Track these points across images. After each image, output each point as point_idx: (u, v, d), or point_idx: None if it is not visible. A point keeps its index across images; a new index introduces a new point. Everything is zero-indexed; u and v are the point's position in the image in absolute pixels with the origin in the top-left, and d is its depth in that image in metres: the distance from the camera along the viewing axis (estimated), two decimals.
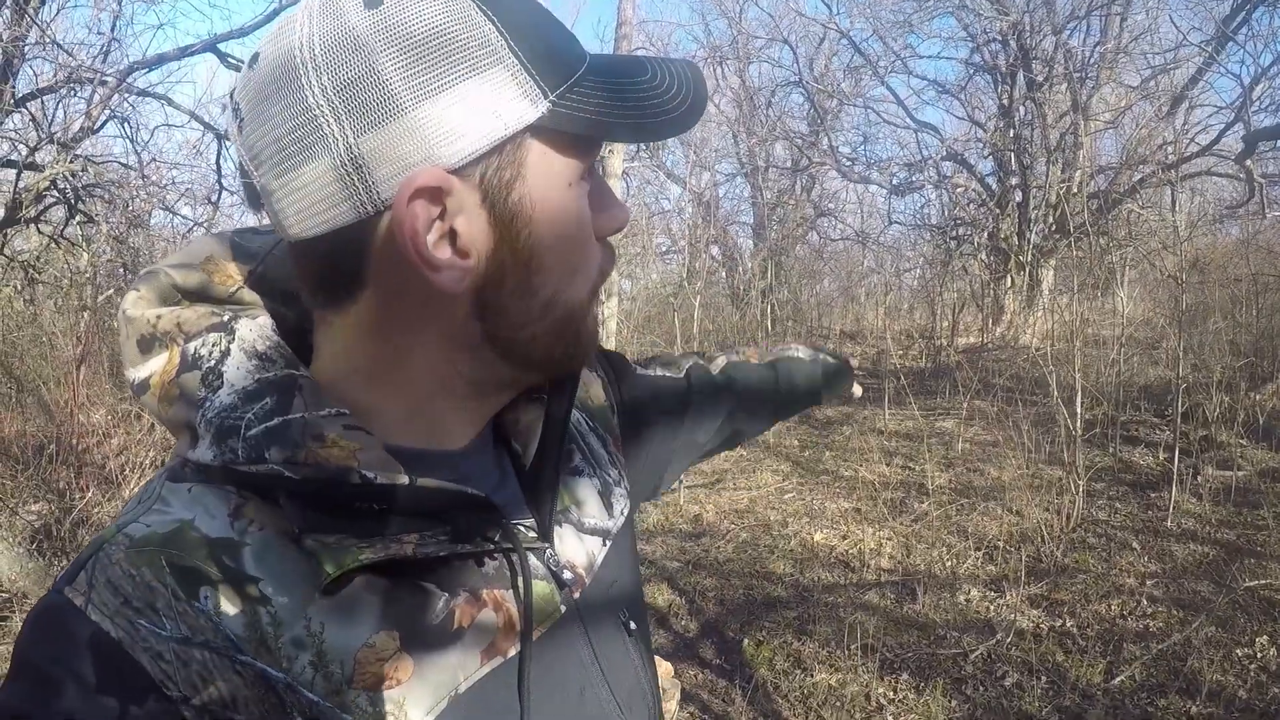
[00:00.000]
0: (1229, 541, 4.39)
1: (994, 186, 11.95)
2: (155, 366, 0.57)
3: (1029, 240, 10.55)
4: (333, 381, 0.58)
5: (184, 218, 9.20)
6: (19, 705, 0.48)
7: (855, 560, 4.58)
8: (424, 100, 0.49)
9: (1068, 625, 3.68)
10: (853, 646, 3.50)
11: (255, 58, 0.52)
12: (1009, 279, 10.64)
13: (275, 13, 7.96)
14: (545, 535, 0.65)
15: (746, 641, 3.70)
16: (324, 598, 0.52)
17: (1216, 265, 8.46)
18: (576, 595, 0.66)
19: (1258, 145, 8.33)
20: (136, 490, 0.61)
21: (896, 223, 13.52)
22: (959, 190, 12.46)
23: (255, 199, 0.56)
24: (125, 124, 8.21)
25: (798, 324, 12.38)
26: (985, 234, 11.46)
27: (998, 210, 11.36)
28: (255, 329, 0.57)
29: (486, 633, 0.59)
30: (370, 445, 0.54)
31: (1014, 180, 11.40)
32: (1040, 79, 10.71)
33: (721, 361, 1.09)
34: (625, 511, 0.77)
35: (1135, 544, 4.45)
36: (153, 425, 5.18)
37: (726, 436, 1.11)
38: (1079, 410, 5.23)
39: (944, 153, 11.82)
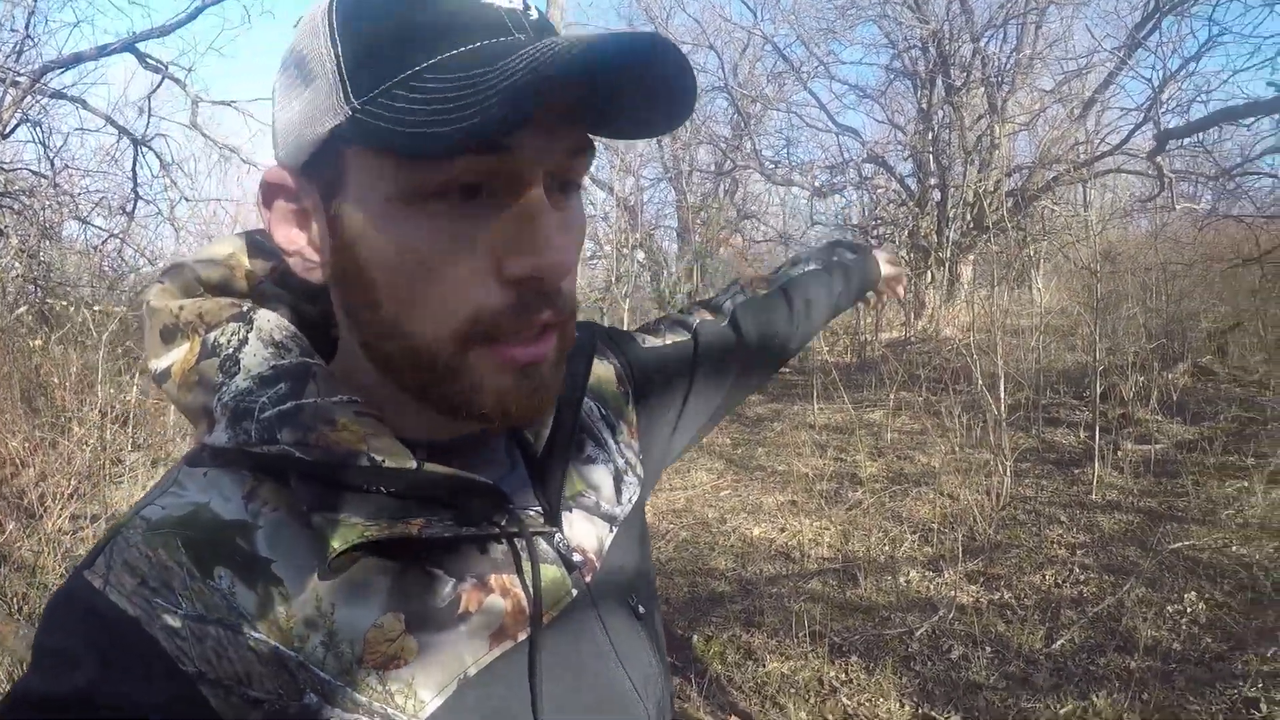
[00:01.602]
0: (1151, 509, 4.58)
1: (913, 187, 12.20)
2: (177, 356, 0.58)
3: (948, 237, 10.80)
4: (348, 371, 0.60)
5: (98, 228, 8.84)
6: (38, 687, 0.49)
7: (795, 551, 4.61)
8: (280, 110, 0.55)
9: (1006, 597, 3.78)
10: (800, 634, 3.53)
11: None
12: (929, 275, 10.87)
13: (198, 11, 7.67)
14: (553, 520, 0.66)
15: (696, 638, 3.68)
16: (332, 577, 0.53)
17: (1127, 256, 8.77)
18: (588, 579, 0.66)
19: (1167, 143, 8.71)
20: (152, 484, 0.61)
21: (819, 223, 13.71)
22: (879, 191, 12.73)
23: None
24: (37, 128, 7.92)
25: None
26: (905, 233, 11.68)
27: (917, 209, 11.61)
28: (273, 320, 0.59)
29: (494, 618, 0.59)
30: (380, 431, 0.55)
31: (933, 180, 11.67)
32: (958, 84, 11.03)
33: (729, 305, 1.03)
34: (634, 499, 0.77)
35: (1063, 517, 4.61)
36: (72, 455, 4.96)
37: (741, 388, 1.04)
38: (1002, 395, 5.40)
39: (865, 155, 12.09)
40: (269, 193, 0.56)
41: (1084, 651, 3.25)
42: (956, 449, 5.71)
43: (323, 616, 0.53)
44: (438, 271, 0.52)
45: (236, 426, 0.54)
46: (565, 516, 0.67)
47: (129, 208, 8.45)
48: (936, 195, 11.52)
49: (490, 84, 0.46)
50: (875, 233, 12.24)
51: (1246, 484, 4.63)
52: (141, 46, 7.49)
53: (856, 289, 1.26)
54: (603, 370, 0.83)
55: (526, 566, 0.61)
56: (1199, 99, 8.92)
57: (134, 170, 8.30)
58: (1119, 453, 5.33)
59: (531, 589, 0.60)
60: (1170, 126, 8.69)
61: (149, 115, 8.72)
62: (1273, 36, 23.05)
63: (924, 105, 11.84)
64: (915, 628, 3.56)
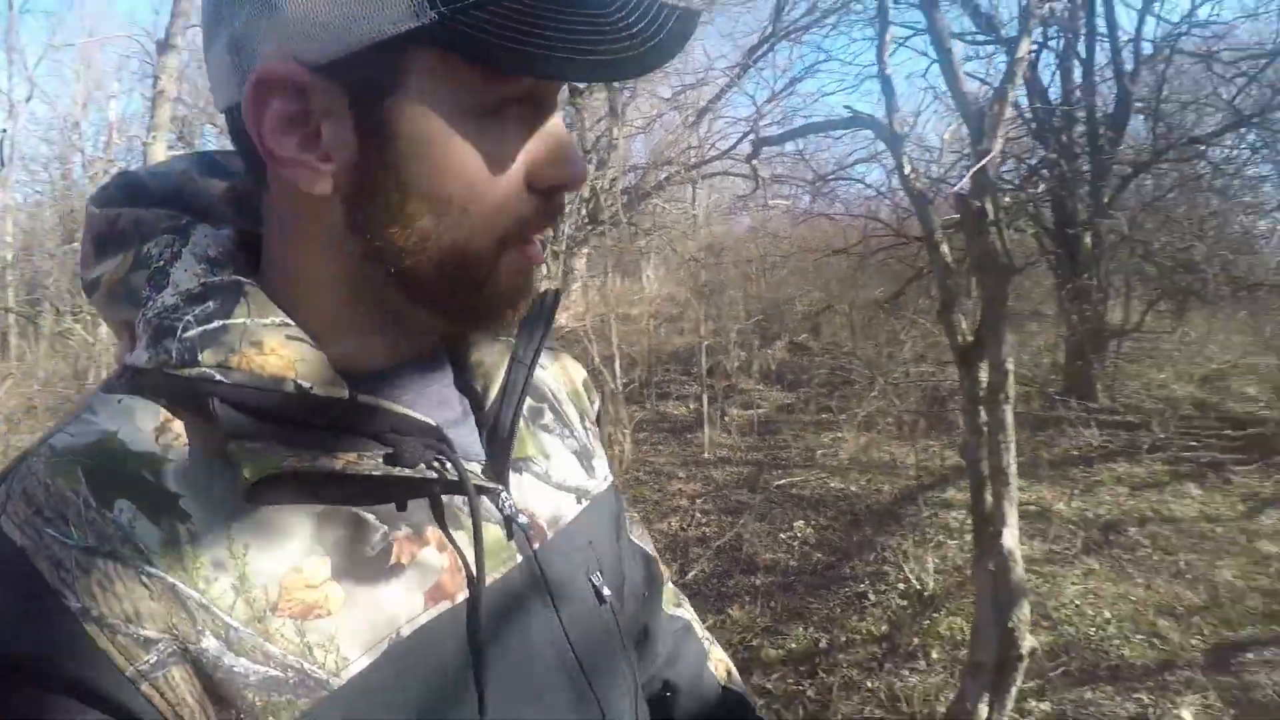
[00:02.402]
0: (758, 460, 5.14)
1: None
2: (109, 267, 0.56)
3: (563, 231, 11.03)
4: (289, 292, 0.56)
5: None
6: None
7: None
8: None
9: None
10: None
11: None
12: (545, 268, 11.02)
13: None
14: (500, 478, 0.62)
15: None
16: (246, 512, 0.50)
17: (731, 248, 9.65)
18: (535, 546, 0.63)
19: (761, 149, 9.64)
20: None
21: None
22: None
23: None
24: None
25: None
26: None
27: None
28: (211, 235, 0.56)
29: (430, 572, 0.55)
30: (310, 358, 0.53)
31: None
32: (581, 86, 11.34)
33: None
34: (609, 480, 0.77)
35: (681, 473, 5.00)
36: None
37: None
38: (618, 371, 5.75)
39: None
40: (260, 93, 0.50)
41: (715, 578, 3.64)
42: None
43: (234, 558, 0.49)
44: (493, 182, 0.52)
45: (158, 345, 0.51)
46: (514, 478, 0.64)
47: None
48: None
49: (620, 30, 0.49)
50: None
51: (839, 434, 5.29)
52: None
53: None
54: (575, 371, 0.84)
55: (467, 522, 0.57)
56: (798, 115, 10.15)
57: None
58: (725, 417, 6.03)
59: (474, 545, 0.57)
60: (767, 135, 9.59)
61: None
62: (869, 65, 26.66)
63: None
64: None
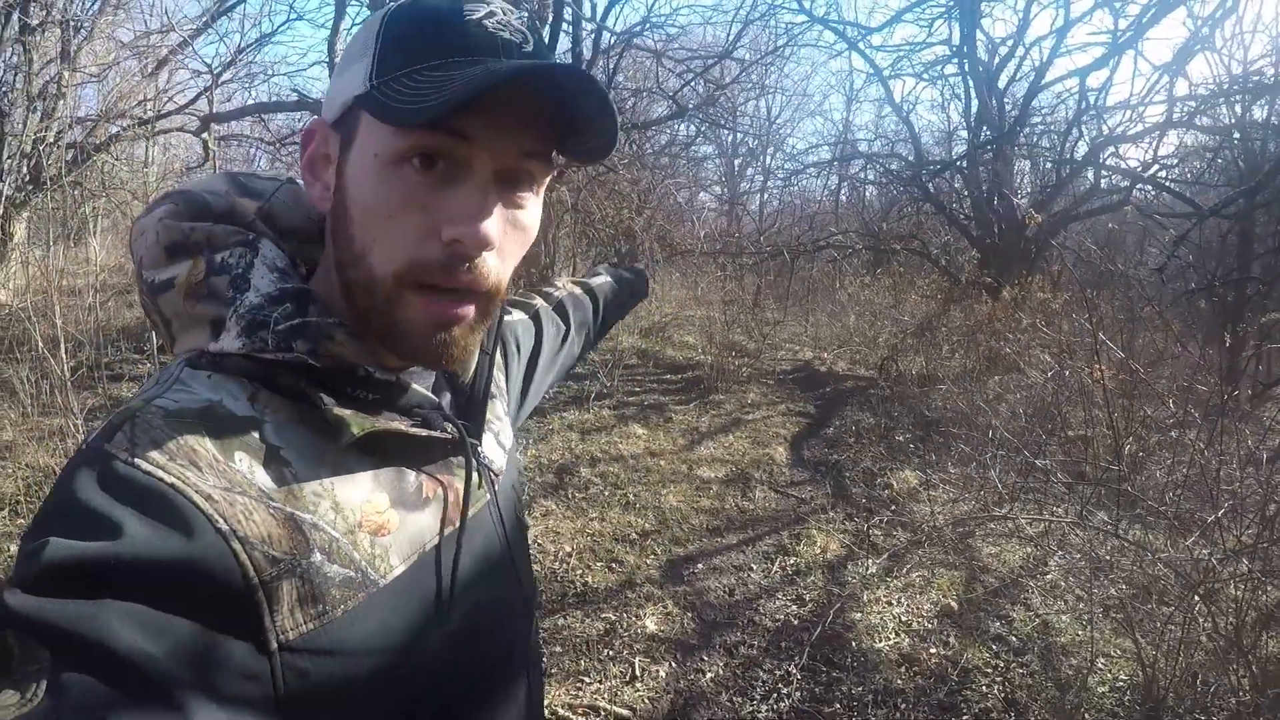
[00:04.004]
0: None
1: None
2: (179, 271, 0.67)
3: (1, 193, 9.39)
4: (328, 298, 0.69)
5: None
6: (96, 551, 0.51)
7: None
8: (337, 77, 0.69)
9: None
10: None
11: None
12: None
13: None
14: (477, 436, 0.79)
15: None
16: (329, 465, 0.64)
17: None
18: (495, 489, 0.83)
19: (210, 125, 9.07)
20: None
21: None
22: None
23: None
24: None
25: None
26: None
27: None
28: (273, 250, 0.69)
29: (440, 506, 0.73)
30: (362, 351, 0.67)
31: None
32: (35, 22, 9.51)
33: (563, 297, 1.31)
34: (513, 435, 0.95)
35: None
36: None
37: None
38: (64, 357, 5.15)
39: None
40: (307, 138, 0.70)
41: None
42: (25, 418, 5.23)
43: (326, 491, 0.64)
44: (395, 220, 0.64)
45: (252, 335, 0.64)
46: (483, 437, 0.82)
47: None
48: None
49: (451, 81, 0.60)
50: None
51: None
52: None
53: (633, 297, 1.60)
54: (520, 332, 1.09)
55: (459, 471, 0.75)
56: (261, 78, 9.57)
57: None
58: None
59: (467, 484, 0.75)
60: (217, 112, 9.16)
61: None
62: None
63: None
64: None
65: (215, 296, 0.65)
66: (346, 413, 0.64)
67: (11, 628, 0.49)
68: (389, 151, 0.63)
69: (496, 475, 0.84)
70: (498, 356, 0.95)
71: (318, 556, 0.61)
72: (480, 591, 0.76)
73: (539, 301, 1.23)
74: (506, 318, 1.06)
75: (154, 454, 0.56)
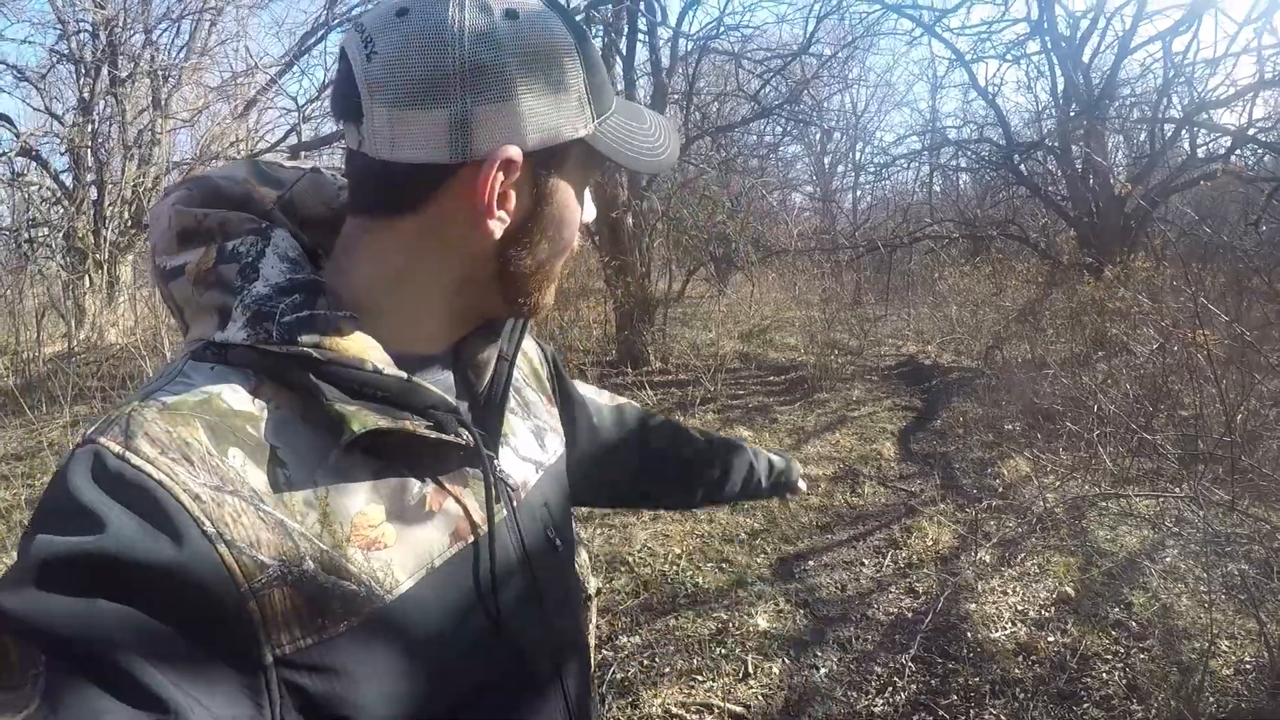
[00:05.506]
0: None
1: (69, 184, 10.97)
2: (192, 257, 0.66)
3: (105, 237, 10.05)
4: (354, 284, 0.69)
5: None
6: (83, 546, 0.51)
7: None
8: (527, 96, 0.64)
9: None
10: None
11: (405, 10, 0.62)
12: (88, 279, 9.95)
13: None
14: (493, 449, 0.77)
15: None
16: (327, 469, 0.62)
17: None
18: (515, 504, 0.79)
19: (301, 151, 9.56)
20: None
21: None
22: (34, 189, 11.10)
23: (345, 112, 0.65)
24: None
25: None
26: (61, 235, 10.48)
27: (74, 209, 10.50)
28: (287, 239, 0.68)
29: (451, 519, 0.70)
30: (373, 346, 0.65)
31: (90, 177, 10.66)
32: (124, 74, 10.23)
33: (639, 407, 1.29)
34: (559, 452, 0.93)
35: None
36: None
37: (636, 489, 1.31)
38: None
39: (19, 148, 10.36)
40: (508, 167, 0.65)
41: None
42: None
43: (319, 499, 0.61)
44: (575, 226, 0.74)
45: (257, 326, 0.61)
46: (501, 450, 0.80)
47: None
48: (94, 193, 10.58)
49: (644, 129, 0.75)
50: (28, 236, 10.72)
51: None
52: None
53: (772, 483, 1.47)
54: (532, 352, 1.01)
55: (473, 483, 0.73)
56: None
57: None
58: None
59: (489, 497, 0.72)
60: (306, 141, 9.64)
61: None
62: None
63: (86, 94, 10.74)
64: None
65: (223, 284, 0.64)
66: (349, 409, 0.61)
67: (7, 631, 0.49)
68: (586, 181, 0.75)
69: (515, 490, 0.79)
70: (524, 367, 0.97)
71: (310, 565, 0.59)
72: (493, 612, 0.73)
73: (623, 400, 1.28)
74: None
75: (145, 447, 0.55)
